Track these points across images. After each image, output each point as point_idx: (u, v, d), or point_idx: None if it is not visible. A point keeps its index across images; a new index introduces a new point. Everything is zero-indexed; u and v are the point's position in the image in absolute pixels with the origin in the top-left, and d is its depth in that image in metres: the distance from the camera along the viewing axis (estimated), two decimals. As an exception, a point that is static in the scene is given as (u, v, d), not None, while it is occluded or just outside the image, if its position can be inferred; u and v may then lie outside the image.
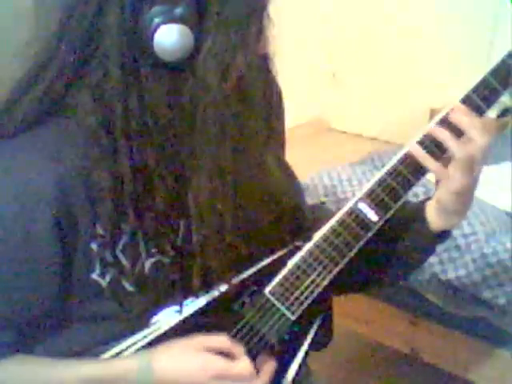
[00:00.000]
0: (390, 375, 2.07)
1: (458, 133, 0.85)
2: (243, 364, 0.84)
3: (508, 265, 1.54)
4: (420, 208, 0.93)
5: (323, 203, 1.65)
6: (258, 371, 0.87)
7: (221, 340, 0.85)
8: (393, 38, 4.04)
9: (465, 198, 0.89)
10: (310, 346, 0.94)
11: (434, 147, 0.86)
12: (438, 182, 0.90)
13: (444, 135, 0.85)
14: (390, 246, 0.96)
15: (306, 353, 0.94)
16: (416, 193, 1.52)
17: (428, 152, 0.86)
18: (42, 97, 0.81)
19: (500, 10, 3.54)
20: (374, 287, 1.14)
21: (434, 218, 0.91)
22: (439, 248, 0.97)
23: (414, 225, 0.93)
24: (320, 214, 1.05)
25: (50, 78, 0.81)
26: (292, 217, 0.95)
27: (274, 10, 0.83)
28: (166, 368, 0.80)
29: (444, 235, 0.94)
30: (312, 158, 2.67)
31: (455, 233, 1.53)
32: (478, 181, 0.88)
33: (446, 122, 0.86)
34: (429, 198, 0.94)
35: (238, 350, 0.85)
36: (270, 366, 0.88)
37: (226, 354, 0.83)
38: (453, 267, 1.59)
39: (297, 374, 0.92)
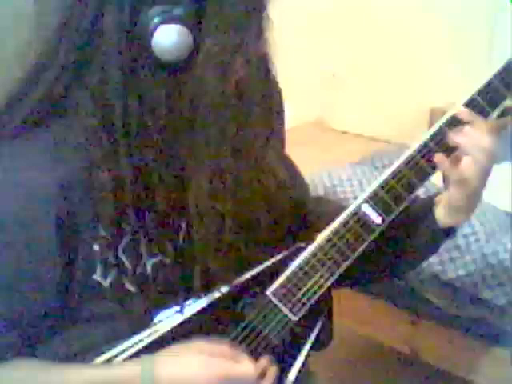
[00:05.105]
0: (389, 375, 2.06)
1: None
2: (247, 365, 0.82)
3: (508, 265, 1.54)
4: (428, 205, 0.93)
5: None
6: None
7: (222, 345, 0.83)
8: (393, 37, 4.04)
9: (477, 196, 0.89)
10: (311, 346, 0.94)
11: (442, 149, 0.86)
12: (446, 181, 0.90)
13: (460, 138, 0.85)
14: (395, 243, 0.96)
15: (308, 353, 0.94)
16: (416, 193, 1.52)
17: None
18: (43, 97, 0.81)
19: (500, 9, 3.54)
20: (374, 282, 1.13)
21: (442, 215, 0.91)
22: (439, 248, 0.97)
23: (422, 222, 0.93)
24: (324, 207, 1.05)
25: (50, 78, 0.80)
26: (295, 215, 0.94)
27: (274, 10, 0.83)
28: (168, 372, 0.79)
29: (451, 232, 0.93)
30: (312, 158, 2.66)
31: (455, 233, 1.54)
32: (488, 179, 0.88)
33: (454, 124, 0.86)
34: (435, 196, 0.93)
35: (240, 354, 0.84)
36: (272, 370, 0.88)
37: (229, 356, 0.82)
38: (453, 267, 1.59)
39: (298, 374, 0.92)
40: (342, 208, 0.90)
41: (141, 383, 0.79)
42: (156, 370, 0.79)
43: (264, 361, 0.88)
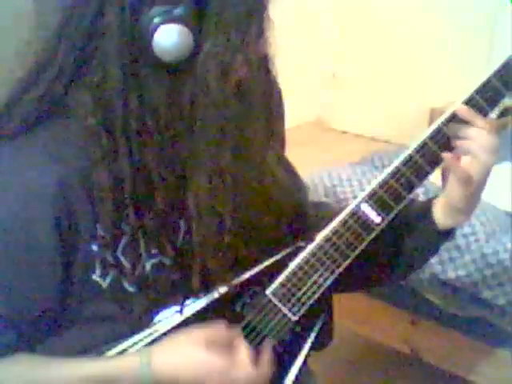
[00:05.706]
0: (389, 375, 2.06)
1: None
2: (243, 357, 0.83)
3: (508, 265, 1.54)
4: (426, 207, 0.93)
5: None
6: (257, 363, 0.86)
7: (219, 332, 0.84)
8: (393, 38, 4.04)
9: (476, 197, 0.89)
10: (311, 346, 0.94)
11: (441, 148, 0.86)
12: (445, 180, 0.90)
13: (465, 137, 0.85)
14: (394, 245, 0.96)
15: (308, 353, 0.94)
16: (416, 193, 1.52)
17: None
18: (42, 97, 0.81)
19: (499, 10, 3.54)
20: (374, 286, 1.13)
21: (441, 216, 0.91)
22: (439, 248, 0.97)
23: (421, 224, 0.93)
24: (324, 212, 1.05)
25: (50, 77, 0.81)
26: (294, 216, 0.94)
27: (274, 10, 0.83)
28: (165, 364, 0.80)
29: (449, 234, 0.93)
30: (312, 158, 2.66)
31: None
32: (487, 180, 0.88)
33: (453, 123, 0.86)
34: (434, 197, 0.93)
35: (237, 338, 0.84)
36: (268, 357, 0.87)
37: (226, 344, 0.83)
38: (453, 267, 1.59)
39: (298, 374, 0.92)
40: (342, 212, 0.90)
41: (139, 374, 0.79)
42: (154, 361, 0.79)
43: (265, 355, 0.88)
